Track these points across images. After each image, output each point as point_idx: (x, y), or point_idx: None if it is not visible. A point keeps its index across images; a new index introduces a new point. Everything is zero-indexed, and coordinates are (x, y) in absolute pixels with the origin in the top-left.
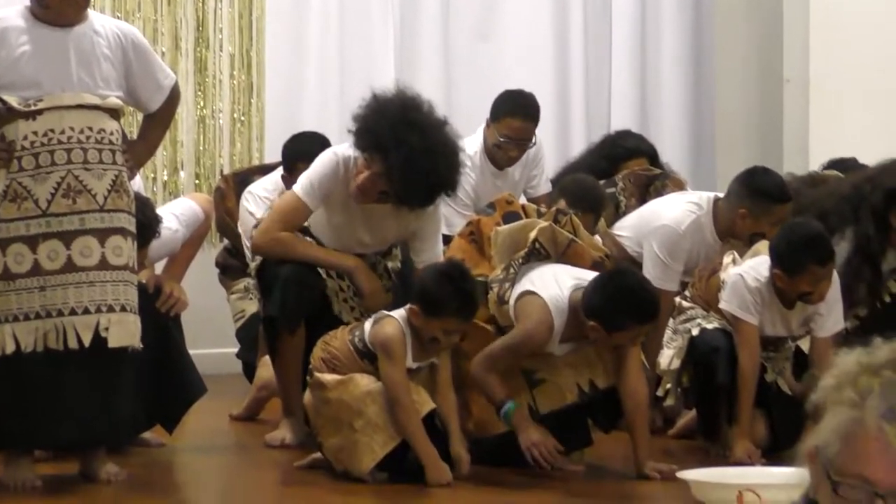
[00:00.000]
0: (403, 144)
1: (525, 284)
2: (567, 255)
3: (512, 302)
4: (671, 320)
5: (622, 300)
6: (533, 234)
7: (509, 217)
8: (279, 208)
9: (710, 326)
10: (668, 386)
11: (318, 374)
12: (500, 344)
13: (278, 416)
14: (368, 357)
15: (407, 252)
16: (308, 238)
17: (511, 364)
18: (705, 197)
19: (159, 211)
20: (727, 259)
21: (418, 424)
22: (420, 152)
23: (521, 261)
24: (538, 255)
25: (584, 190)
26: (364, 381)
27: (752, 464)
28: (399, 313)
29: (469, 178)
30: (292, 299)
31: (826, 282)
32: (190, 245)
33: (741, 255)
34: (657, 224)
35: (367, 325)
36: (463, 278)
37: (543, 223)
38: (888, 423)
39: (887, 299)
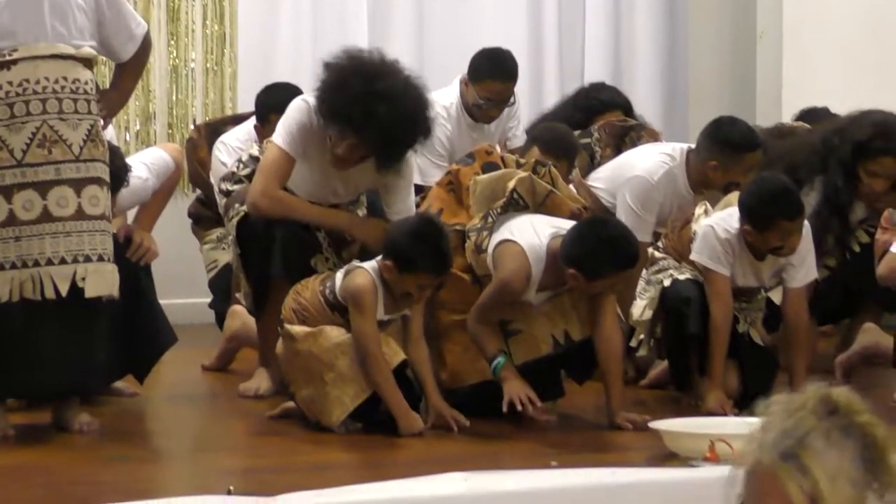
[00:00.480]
0: (373, 118)
1: (503, 233)
2: (545, 205)
3: (490, 250)
4: (644, 271)
5: (602, 247)
6: (511, 184)
7: (488, 167)
8: (267, 166)
9: (681, 277)
10: (641, 336)
11: (288, 326)
12: (485, 294)
13: (250, 367)
14: (339, 309)
15: (372, 197)
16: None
17: (499, 313)
18: (678, 148)
19: (129, 160)
20: (699, 210)
21: (388, 376)
22: (392, 123)
23: (499, 210)
24: (516, 205)
25: (556, 137)
26: (334, 334)
27: (724, 414)
28: (370, 265)
29: (444, 129)
30: (293, 258)
31: (796, 235)
32: (160, 195)
33: (714, 206)
34: (630, 175)
35: (338, 276)
36: (436, 234)
37: (522, 173)
38: (782, 463)
39: (857, 249)
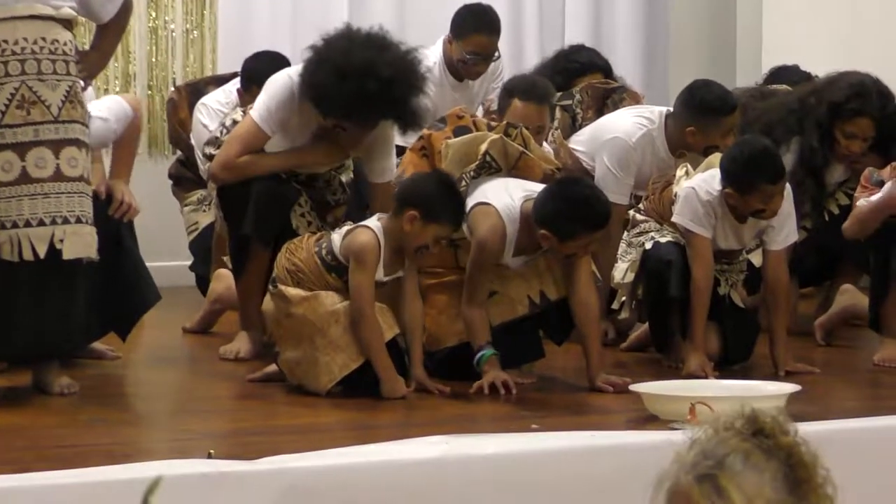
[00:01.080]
0: (373, 113)
1: (477, 196)
2: (518, 167)
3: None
4: (625, 234)
5: (573, 207)
6: (484, 147)
7: (460, 131)
8: (236, 136)
9: (663, 240)
10: (623, 299)
11: (282, 287)
12: (468, 268)
13: (232, 330)
14: (336, 270)
15: (358, 163)
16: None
17: (487, 284)
18: (657, 111)
19: (88, 107)
20: (680, 172)
21: (379, 336)
22: (393, 113)
23: (472, 174)
24: (489, 168)
25: (533, 83)
26: (329, 300)
27: (705, 376)
28: (373, 223)
29: (429, 91)
30: (266, 216)
31: (778, 198)
32: (127, 143)
33: (696, 168)
34: (608, 137)
35: (336, 235)
36: (456, 188)
37: (494, 136)
38: (697, 485)
39: (836, 211)
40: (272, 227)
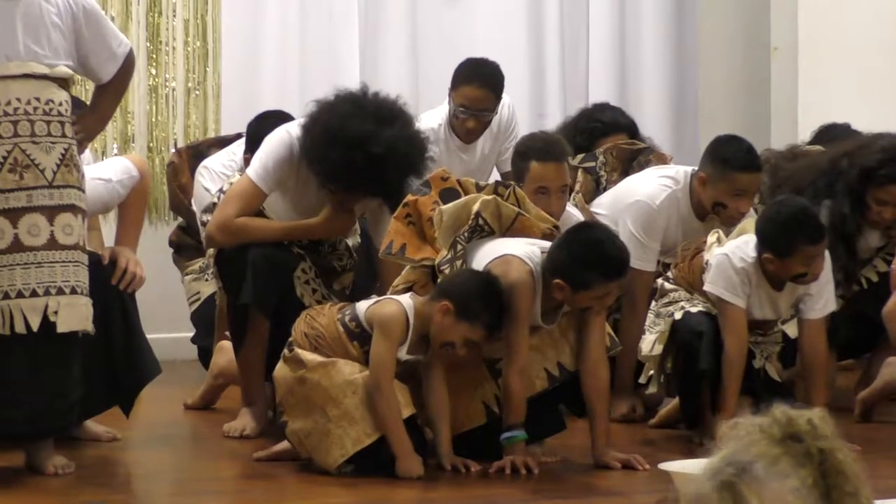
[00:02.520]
0: (378, 183)
1: (487, 254)
2: (514, 229)
3: None
4: (653, 303)
5: (588, 253)
6: (476, 207)
7: (446, 194)
8: (232, 194)
9: (693, 310)
10: (651, 373)
11: (298, 350)
12: (509, 334)
13: (236, 405)
14: (359, 338)
15: (365, 225)
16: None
17: (526, 341)
18: (682, 171)
19: (89, 170)
20: (712, 238)
21: (396, 411)
22: (380, 192)
23: (466, 236)
24: (481, 231)
25: (546, 141)
26: (347, 369)
27: None
28: (405, 299)
29: (433, 155)
30: (265, 283)
31: (819, 260)
32: (133, 207)
33: (728, 235)
34: (631, 200)
35: (361, 305)
36: (501, 294)
37: (486, 197)
38: (717, 493)
39: (875, 279)
40: (272, 295)
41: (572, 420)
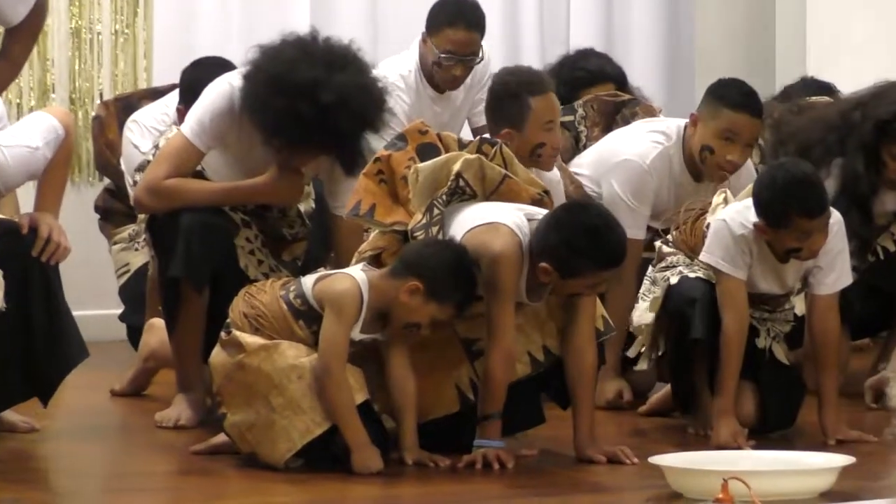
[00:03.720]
0: (329, 137)
1: (470, 219)
2: (498, 193)
3: None
4: (650, 269)
5: (581, 239)
6: (456, 167)
7: (424, 150)
8: (164, 153)
9: (691, 275)
10: (643, 348)
11: (237, 332)
12: (487, 303)
13: (170, 392)
14: (305, 317)
15: (319, 188)
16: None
17: (511, 319)
18: (674, 125)
19: (10, 132)
20: (717, 199)
21: (349, 398)
22: (329, 147)
23: (444, 199)
24: (461, 193)
25: (532, 72)
26: (292, 353)
27: (737, 447)
28: (357, 273)
29: (402, 102)
30: (199, 253)
31: (817, 236)
32: (56, 169)
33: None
34: (618, 159)
35: (308, 280)
36: (472, 268)
37: (469, 156)
38: None
39: (892, 248)
40: (206, 267)
41: (552, 408)
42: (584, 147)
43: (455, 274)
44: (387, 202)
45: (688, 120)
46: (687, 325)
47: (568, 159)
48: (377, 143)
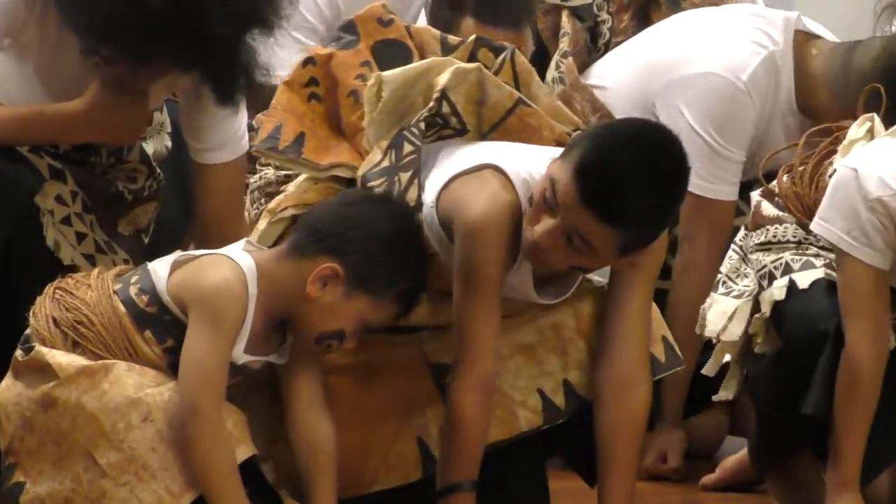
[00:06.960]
0: (189, 39)
1: (449, 168)
2: (506, 128)
3: (430, 200)
4: (740, 234)
5: (621, 167)
6: (442, 80)
7: (386, 50)
8: None
9: (808, 277)
10: (727, 358)
11: (41, 349)
12: (457, 305)
13: None
14: (156, 326)
15: (175, 117)
16: None
17: (493, 330)
18: (780, 19)
19: None
20: (857, 130)
21: (226, 458)
22: (226, 31)
23: (422, 129)
24: (444, 125)
25: None
26: (132, 380)
27: None
28: (237, 254)
29: None
30: None
31: None
32: None
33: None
34: (689, 71)
35: (160, 266)
36: (421, 240)
37: (460, 63)
38: None
39: None
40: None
41: (566, 477)
42: (609, 46)
43: (396, 248)
44: (322, 131)
45: (795, 13)
46: (804, 372)
47: (583, 67)
48: (277, 57)
